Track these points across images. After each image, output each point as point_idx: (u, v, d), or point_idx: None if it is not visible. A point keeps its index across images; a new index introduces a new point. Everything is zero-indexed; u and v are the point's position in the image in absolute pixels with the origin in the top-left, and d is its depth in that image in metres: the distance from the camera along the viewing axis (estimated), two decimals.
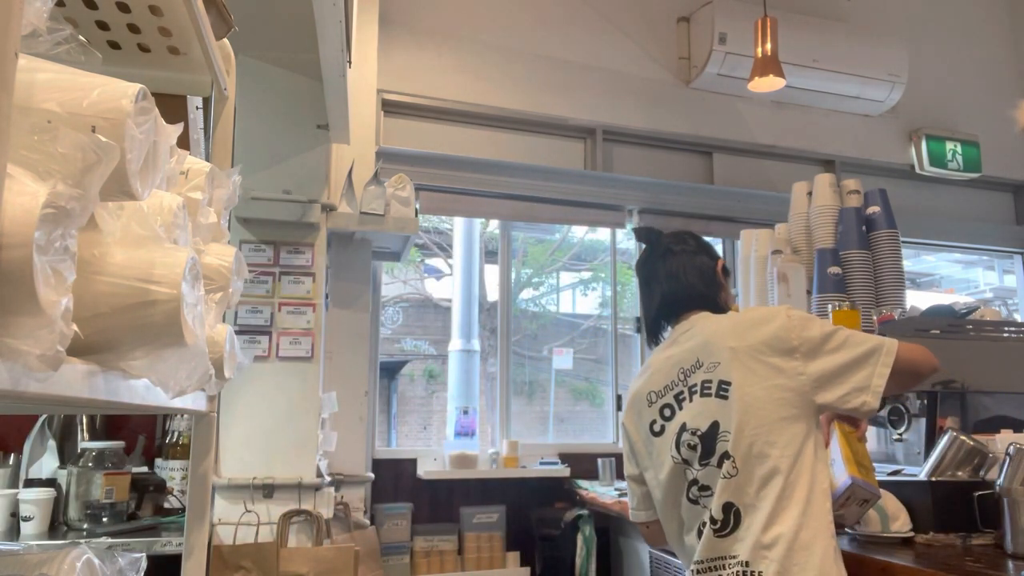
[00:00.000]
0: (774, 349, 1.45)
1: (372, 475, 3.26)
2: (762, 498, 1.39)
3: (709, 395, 1.48)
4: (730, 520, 1.41)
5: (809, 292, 2.84)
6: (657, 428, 1.56)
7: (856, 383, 1.43)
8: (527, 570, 3.36)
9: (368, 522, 3.11)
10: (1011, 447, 1.69)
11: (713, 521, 1.44)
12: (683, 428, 1.50)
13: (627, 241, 4.30)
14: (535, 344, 4.62)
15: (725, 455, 1.44)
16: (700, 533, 1.47)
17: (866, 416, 1.63)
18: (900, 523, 1.83)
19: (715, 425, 1.46)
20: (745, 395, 1.44)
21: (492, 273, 4.14)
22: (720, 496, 1.43)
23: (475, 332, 4.02)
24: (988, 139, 4.66)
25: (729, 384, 1.46)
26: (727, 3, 4.02)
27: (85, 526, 2.21)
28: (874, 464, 2.22)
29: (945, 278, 5.99)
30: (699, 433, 1.48)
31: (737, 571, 1.38)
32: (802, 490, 1.39)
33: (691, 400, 1.51)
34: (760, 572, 1.36)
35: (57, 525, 2.24)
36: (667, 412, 1.55)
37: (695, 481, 1.49)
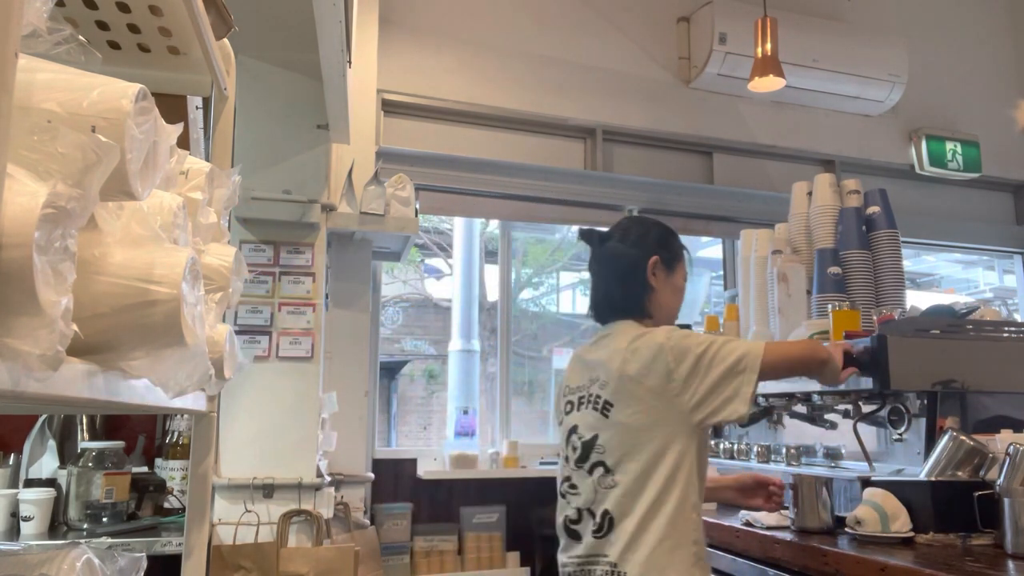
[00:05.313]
0: (653, 376, 1.57)
1: (372, 475, 3.26)
2: (634, 509, 1.54)
3: (596, 409, 1.63)
4: (605, 525, 1.57)
5: (809, 292, 2.83)
6: (560, 418, 1.78)
7: (726, 395, 1.55)
8: (527, 570, 3.36)
9: (368, 522, 3.11)
10: (1011, 447, 1.69)
11: (574, 522, 1.63)
12: (575, 429, 1.69)
13: None
14: (535, 344, 4.62)
15: (597, 465, 1.60)
16: (566, 527, 1.64)
17: (737, 422, 1.84)
18: (900, 523, 1.83)
19: (595, 437, 1.62)
20: (623, 418, 1.58)
21: (492, 273, 4.14)
22: (599, 504, 1.58)
23: (475, 332, 4.02)
24: (988, 139, 4.65)
25: (612, 405, 1.61)
26: (727, 3, 4.01)
27: (85, 526, 2.21)
28: (875, 464, 2.24)
29: (945, 278, 6.00)
30: (583, 440, 1.65)
31: (607, 569, 1.55)
32: (671, 504, 1.53)
33: (586, 407, 1.66)
34: (625, 572, 1.53)
35: (57, 525, 2.24)
36: (568, 408, 1.74)
37: (568, 477, 1.68)
